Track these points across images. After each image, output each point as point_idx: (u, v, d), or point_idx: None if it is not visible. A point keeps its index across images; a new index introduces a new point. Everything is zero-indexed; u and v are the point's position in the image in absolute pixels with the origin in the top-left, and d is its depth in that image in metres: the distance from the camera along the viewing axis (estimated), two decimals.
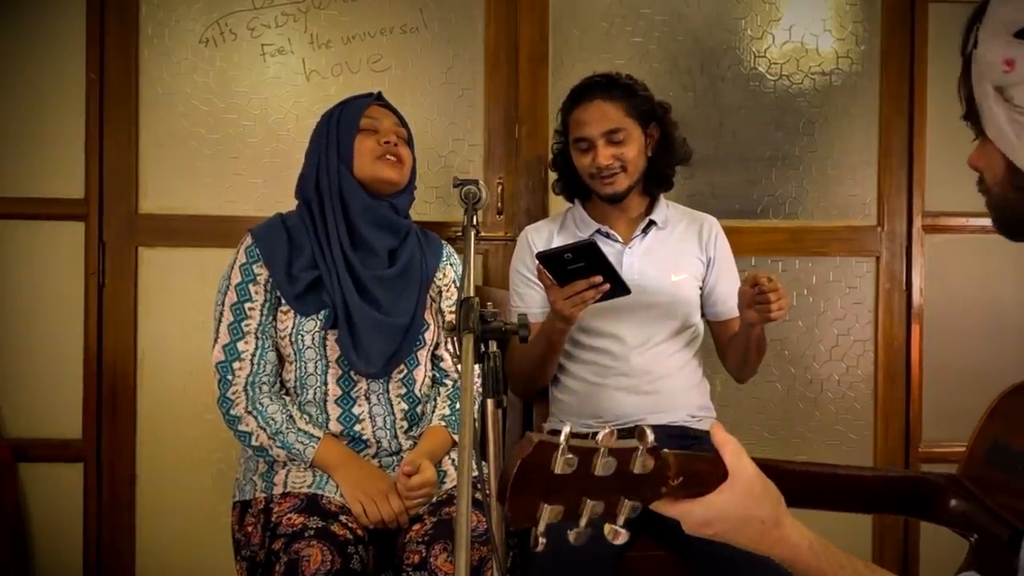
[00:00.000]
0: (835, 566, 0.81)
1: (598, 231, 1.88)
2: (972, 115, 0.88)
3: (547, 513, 0.75)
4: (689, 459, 0.81)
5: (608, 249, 1.64)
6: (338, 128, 1.72)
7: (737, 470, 0.82)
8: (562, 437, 0.73)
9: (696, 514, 0.82)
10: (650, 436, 0.76)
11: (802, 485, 0.85)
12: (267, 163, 2.19)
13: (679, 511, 0.83)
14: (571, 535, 0.78)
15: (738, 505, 0.81)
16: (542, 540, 0.77)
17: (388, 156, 1.71)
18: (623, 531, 0.78)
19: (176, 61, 2.17)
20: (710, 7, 2.29)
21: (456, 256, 1.88)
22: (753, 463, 0.84)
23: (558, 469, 0.74)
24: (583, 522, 0.77)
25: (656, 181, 1.90)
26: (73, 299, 2.15)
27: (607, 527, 0.78)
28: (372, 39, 2.21)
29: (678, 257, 1.89)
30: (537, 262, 1.59)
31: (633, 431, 0.78)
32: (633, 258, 1.86)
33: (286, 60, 2.19)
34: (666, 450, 0.79)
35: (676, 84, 2.28)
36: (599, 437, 0.74)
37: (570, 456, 0.74)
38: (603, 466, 0.75)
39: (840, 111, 2.33)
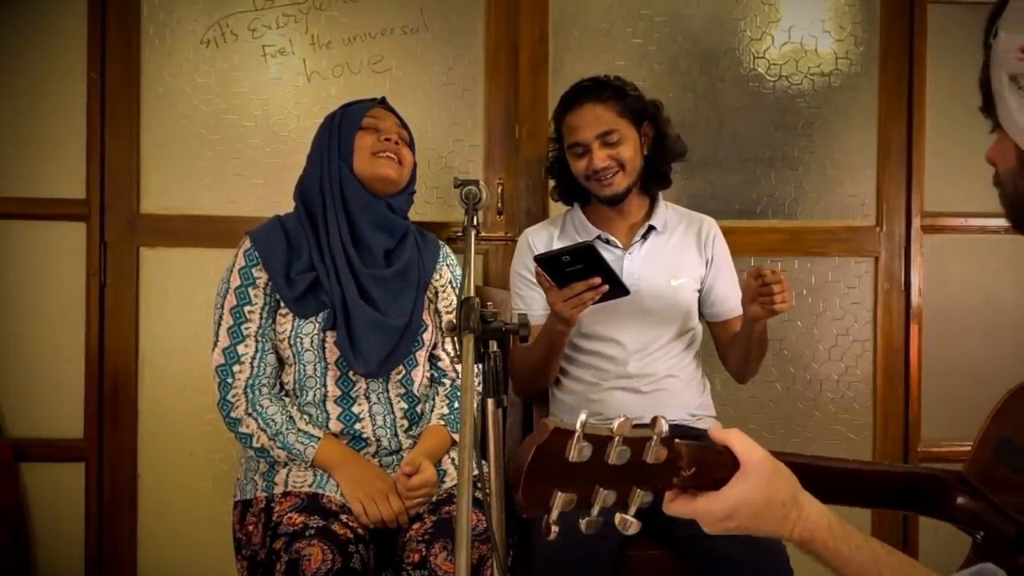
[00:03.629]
0: (852, 546, 0.81)
1: (598, 237, 1.88)
2: (989, 106, 0.88)
3: (560, 501, 0.75)
4: (701, 450, 0.81)
5: (608, 255, 1.64)
6: (340, 127, 1.73)
7: (747, 457, 0.82)
8: (578, 424, 0.73)
9: (715, 510, 0.81)
10: (664, 426, 0.76)
11: (807, 478, 0.85)
12: (268, 163, 2.19)
13: (696, 510, 0.82)
14: (583, 524, 0.77)
15: (756, 491, 0.80)
16: (555, 528, 0.77)
17: (387, 153, 1.71)
18: (635, 521, 0.78)
19: (177, 62, 2.18)
20: (710, 8, 2.29)
21: (453, 257, 1.89)
22: (761, 448, 0.84)
23: (572, 457, 0.74)
24: (595, 511, 0.77)
25: (654, 179, 1.91)
26: (74, 299, 2.16)
27: (618, 517, 0.78)
28: (373, 40, 2.21)
29: (678, 261, 1.89)
30: (535, 264, 1.60)
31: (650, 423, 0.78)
32: (633, 264, 1.86)
33: (287, 61, 2.20)
34: (679, 440, 0.79)
35: (676, 85, 2.28)
36: (614, 426, 0.75)
37: (585, 444, 0.74)
38: (617, 455, 0.75)
39: (839, 112, 2.33)
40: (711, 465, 0.81)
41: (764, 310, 1.64)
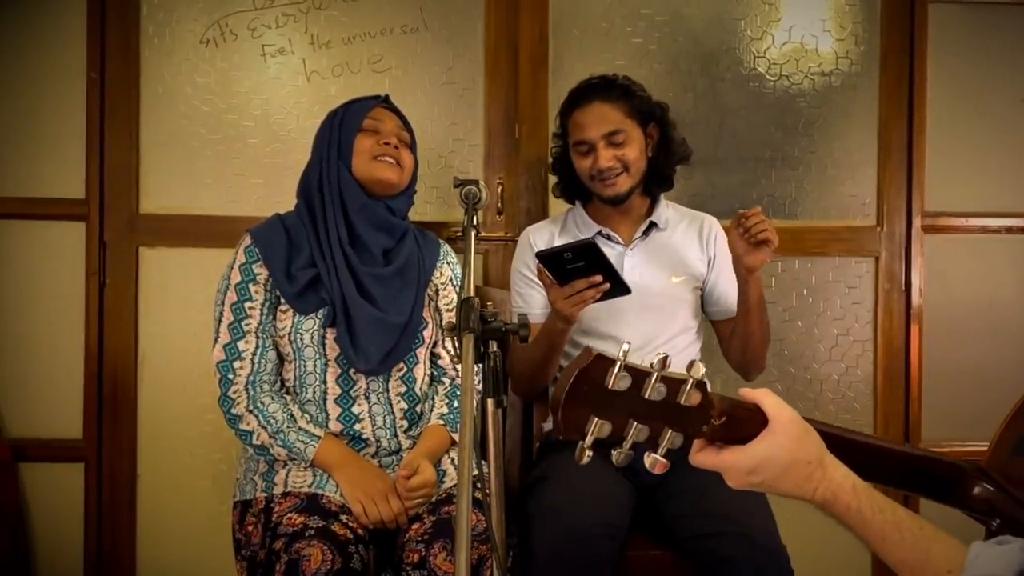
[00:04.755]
0: (874, 509, 0.81)
1: (599, 233, 1.88)
2: None
3: (596, 427, 0.77)
4: (732, 403, 0.83)
5: (609, 251, 1.64)
6: (341, 127, 1.73)
7: (776, 415, 0.83)
8: (620, 353, 0.76)
9: (741, 463, 0.82)
10: (701, 369, 0.79)
11: (834, 447, 0.86)
12: (268, 163, 2.19)
13: (723, 462, 0.83)
14: (615, 455, 0.80)
15: (783, 448, 0.81)
16: (588, 453, 0.79)
17: (386, 157, 1.71)
18: (663, 460, 0.80)
19: (177, 61, 2.18)
20: (710, 8, 2.29)
21: (453, 255, 1.89)
22: (791, 408, 0.85)
23: (612, 385, 0.76)
24: (627, 444, 0.79)
25: (657, 181, 1.91)
26: (74, 299, 2.16)
27: (648, 457, 0.80)
28: (372, 39, 2.21)
29: (679, 259, 1.89)
30: (537, 261, 1.60)
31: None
32: (634, 260, 1.86)
33: (287, 60, 2.20)
34: (712, 390, 0.81)
35: (676, 85, 2.28)
36: (653, 363, 0.77)
37: (625, 375, 0.76)
38: (654, 391, 0.77)
39: (840, 111, 2.33)
40: (740, 420, 0.83)
41: (755, 250, 1.64)
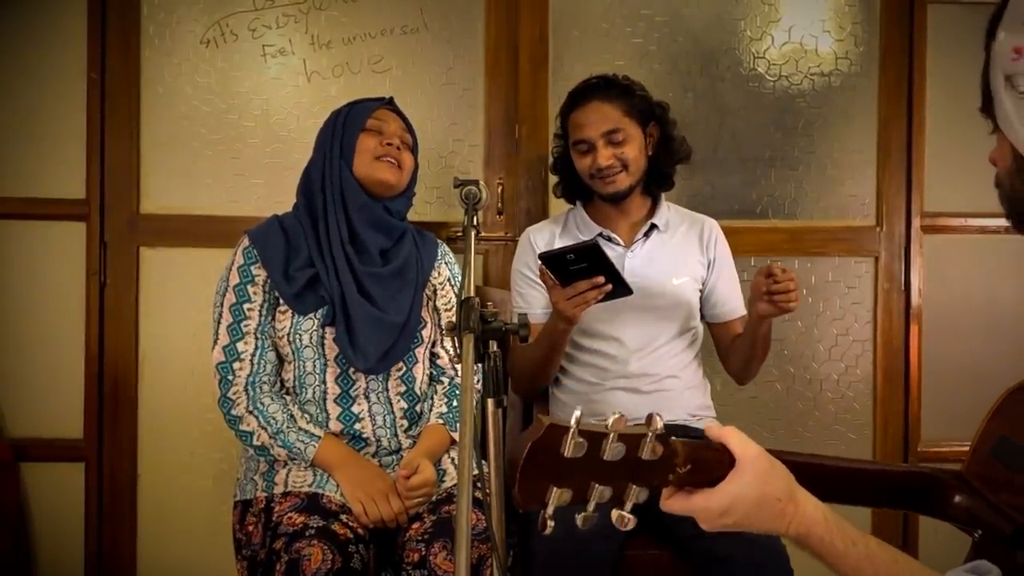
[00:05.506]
0: (847, 542, 0.81)
1: (600, 235, 1.88)
2: (988, 107, 0.88)
3: (556, 496, 0.76)
4: (696, 447, 0.82)
5: (610, 253, 1.64)
6: (344, 126, 1.73)
7: (743, 453, 0.82)
8: (573, 420, 0.74)
9: (713, 505, 0.81)
10: (659, 422, 0.77)
11: (806, 477, 0.85)
12: (268, 163, 2.19)
13: (693, 506, 0.82)
14: (579, 519, 0.79)
15: (751, 487, 0.81)
16: (551, 523, 0.78)
17: (388, 158, 1.72)
18: (631, 516, 0.79)
19: (177, 62, 2.18)
20: (710, 8, 2.29)
21: (451, 255, 1.89)
22: (756, 444, 0.84)
23: (568, 452, 0.74)
24: (591, 506, 0.78)
25: (657, 180, 1.91)
26: (74, 299, 2.16)
27: (615, 513, 0.79)
28: (373, 40, 2.21)
29: (679, 260, 1.89)
30: (540, 262, 1.60)
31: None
32: (635, 262, 1.86)
33: (287, 61, 2.20)
34: (674, 438, 0.80)
35: (676, 85, 2.28)
36: (609, 422, 0.75)
37: (580, 440, 0.74)
38: (612, 451, 0.76)
39: (839, 112, 2.33)
40: (707, 462, 0.82)
41: (774, 308, 1.64)
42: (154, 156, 2.18)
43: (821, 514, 0.82)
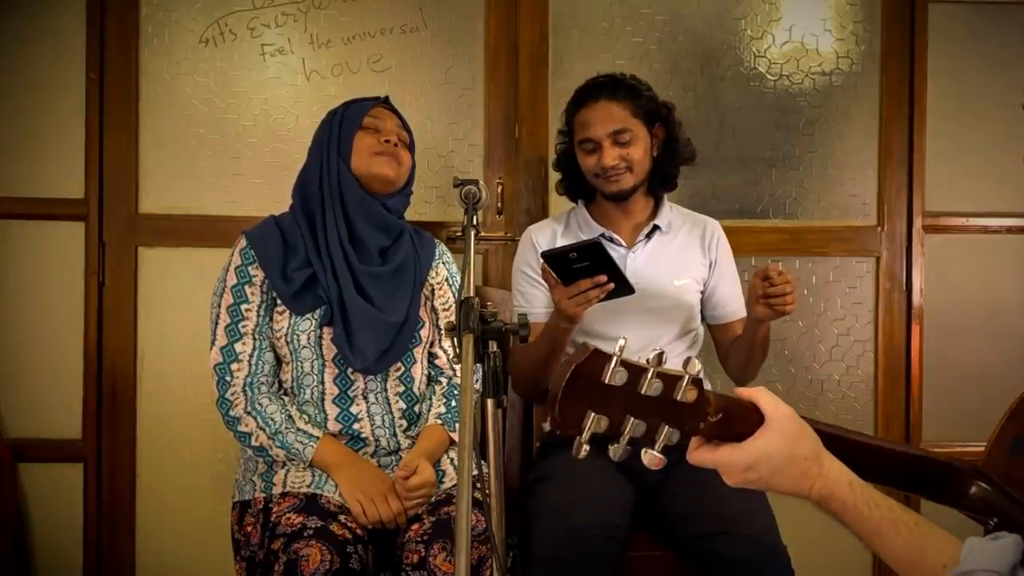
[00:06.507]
0: (870, 504, 0.82)
1: (602, 235, 1.87)
2: None
3: (592, 422, 0.78)
4: (728, 401, 0.83)
5: (612, 253, 1.64)
6: (341, 125, 1.73)
7: (773, 412, 0.83)
8: (617, 348, 0.77)
9: (737, 459, 0.82)
10: (697, 365, 0.79)
11: (830, 446, 0.86)
12: (267, 163, 2.19)
13: (719, 459, 0.83)
14: (611, 450, 0.80)
15: (780, 444, 0.82)
16: (586, 447, 0.80)
17: (385, 154, 1.71)
18: (660, 456, 0.81)
19: (176, 61, 2.17)
20: (710, 7, 2.29)
21: (449, 254, 1.89)
22: (787, 405, 0.85)
23: (608, 380, 0.77)
24: (624, 439, 0.80)
25: (661, 181, 1.90)
26: (73, 299, 2.16)
27: (646, 454, 0.81)
28: (372, 39, 2.21)
29: (681, 261, 1.88)
30: (542, 261, 1.59)
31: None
32: (637, 262, 1.86)
33: (286, 60, 2.20)
34: (709, 387, 0.82)
35: (676, 84, 2.28)
36: (649, 358, 0.77)
37: (621, 370, 0.77)
38: (650, 386, 0.78)
39: (840, 111, 2.33)
40: (737, 417, 0.83)
41: (770, 311, 1.63)
42: (153, 156, 2.18)
43: (846, 477, 0.83)
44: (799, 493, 0.83)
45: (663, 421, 0.80)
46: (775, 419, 0.83)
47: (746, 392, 0.85)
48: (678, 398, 0.79)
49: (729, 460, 0.83)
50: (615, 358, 0.76)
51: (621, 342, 0.77)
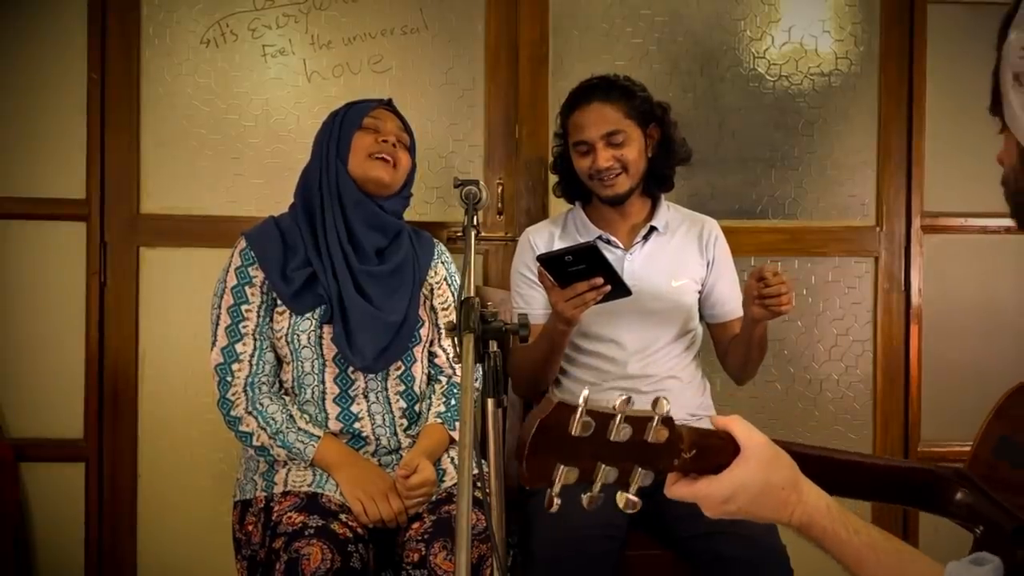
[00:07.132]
0: (850, 531, 0.81)
1: (599, 238, 1.87)
2: (997, 106, 0.89)
3: (563, 474, 0.77)
4: (702, 434, 0.83)
5: (609, 255, 1.64)
6: (341, 125, 1.73)
7: (747, 441, 0.83)
8: (581, 399, 0.75)
9: (715, 492, 0.82)
10: (666, 406, 0.78)
11: (807, 468, 0.86)
12: (268, 163, 2.20)
13: (696, 492, 0.83)
14: (584, 499, 0.79)
15: (755, 474, 0.81)
16: (557, 501, 0.79)
17: (383, 155, 1.72)
18: (636, 499, 0.80)
19: (177, 62, 2.18)
20: (710, 8, 2.29)
21: (448, 254, 1.90)
22: (761, 433, 0.85)
23: (575, 431, 0.75)
24: (597, 487, 0.79)
25: (657, 182, 1.90)
26: (74, 299, 2.16)
27: (620, 496, 0.80)
28: (373, 40, 2.21)
29: (679, 262, 1.89)
30: (538, 264, 1.60)
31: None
32: (634, 264, 1.86)
33: (287, 61, 2.20)
34: (680, 423, 0.81)
35: (676, 85, 2.28)
36: (615, 404, 0.76)
37: (588, 419, 0.75)
38: (619, 432, 0.76)
39: (839, 112, 2.33)
40: (712, 449, 0.82)
41: (766, 312, 1.64)
42: (154, 156, 2.18)
43: (824, 503, 0.83)
44: (779, 521, 0.83)
45: (636, 464, 0.79)
46: (749, 447, 0.82)
47: (720, 421, 0.85)
48: (649, 439, 0.78)
49: (707, 493, 0.82)
50: (580, 409, 0.75)
51: (585, 392, 0.76)
